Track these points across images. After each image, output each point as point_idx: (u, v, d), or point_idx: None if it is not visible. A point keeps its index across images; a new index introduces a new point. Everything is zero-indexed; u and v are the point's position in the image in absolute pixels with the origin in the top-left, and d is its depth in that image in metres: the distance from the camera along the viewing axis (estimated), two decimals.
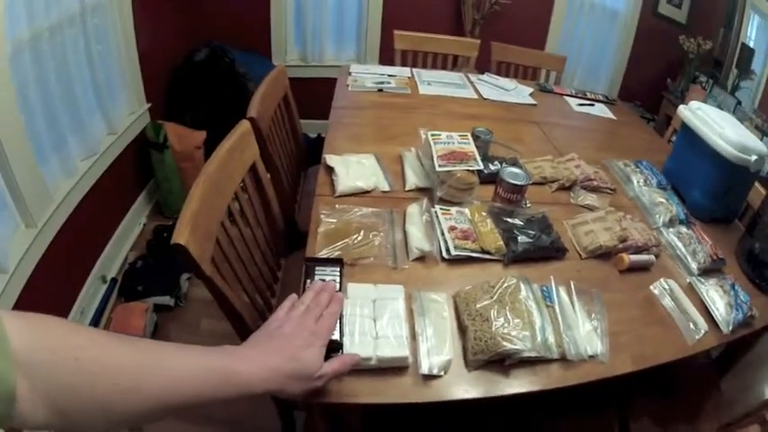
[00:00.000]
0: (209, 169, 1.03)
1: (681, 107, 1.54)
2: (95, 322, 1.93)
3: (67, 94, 1.80)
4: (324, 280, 0.84)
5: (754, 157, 1.27)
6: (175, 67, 2.74)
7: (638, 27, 3.43)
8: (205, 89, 2.72)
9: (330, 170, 1.33)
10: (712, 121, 1.39)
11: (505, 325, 0.84)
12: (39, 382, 0.42)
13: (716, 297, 1.08)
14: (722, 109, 1.57)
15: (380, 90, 1.99)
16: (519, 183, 1.21)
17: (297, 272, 0.95)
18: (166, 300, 2.06)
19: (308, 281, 0.88)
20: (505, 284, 0.94)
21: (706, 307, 1.07)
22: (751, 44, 2.82)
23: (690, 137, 1.46)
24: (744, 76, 2.83)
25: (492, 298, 0.91)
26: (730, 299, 1.07)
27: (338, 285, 0.84)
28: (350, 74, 2.12)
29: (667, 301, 1.07)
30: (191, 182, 0.98)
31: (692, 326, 1.01)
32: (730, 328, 1.01)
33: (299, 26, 3.21)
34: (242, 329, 1.02)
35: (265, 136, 1.46)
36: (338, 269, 0.91)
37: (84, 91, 1.93)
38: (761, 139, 1.89)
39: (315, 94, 2.35)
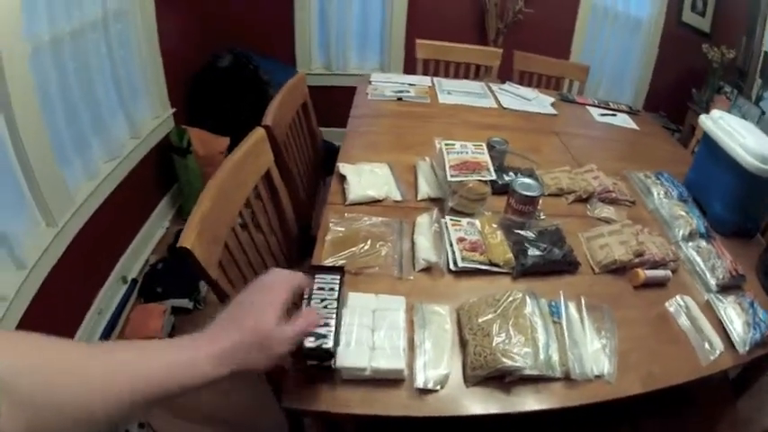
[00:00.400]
0: (220, 175, 1.05)
1: (702, 117, 1.50)
2: (113, 322, 1.97)
3: (90, 97, 1.84)
4: (323, 288, 0.84)
5: None
6: (199, 73, 2.78)
7: (662, 36, 3.36)
8: (228, 95, 2.76)
9: (343, 178, 1.33)
10: (734, 131, 1.34)
11: (506, 341, 0.82)
12: (15, 399, 0.42)
13: (733, 315, 1.04)
14: (746, 119, 1.52)
15: (399, 99, 1.99)
16: (531, 194, 1.18)
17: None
18: (185, 303, 2.08)
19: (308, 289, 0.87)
20: (510, 298, 0.91)
21: (723, 325, 1.03)
22: None
23: (711, 147, 1.42)
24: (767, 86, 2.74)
25: (495, 312, 0.89)
26: (748, 317, 1.02)
27: (337, 293, 0.83)
28: (370, 82, 2.13)
29: (683, 320, 1.03)
30: None
31: (707, 345, 0.97)
32: (747, 347, 0.97)
33: (323, 35, 3.23)
34: None
35: (281, 143, 1.47)
36: (338, 277, 0.91)
37: (107, 95, 1.98)
38: None
39: (339, 103, 2.35)
